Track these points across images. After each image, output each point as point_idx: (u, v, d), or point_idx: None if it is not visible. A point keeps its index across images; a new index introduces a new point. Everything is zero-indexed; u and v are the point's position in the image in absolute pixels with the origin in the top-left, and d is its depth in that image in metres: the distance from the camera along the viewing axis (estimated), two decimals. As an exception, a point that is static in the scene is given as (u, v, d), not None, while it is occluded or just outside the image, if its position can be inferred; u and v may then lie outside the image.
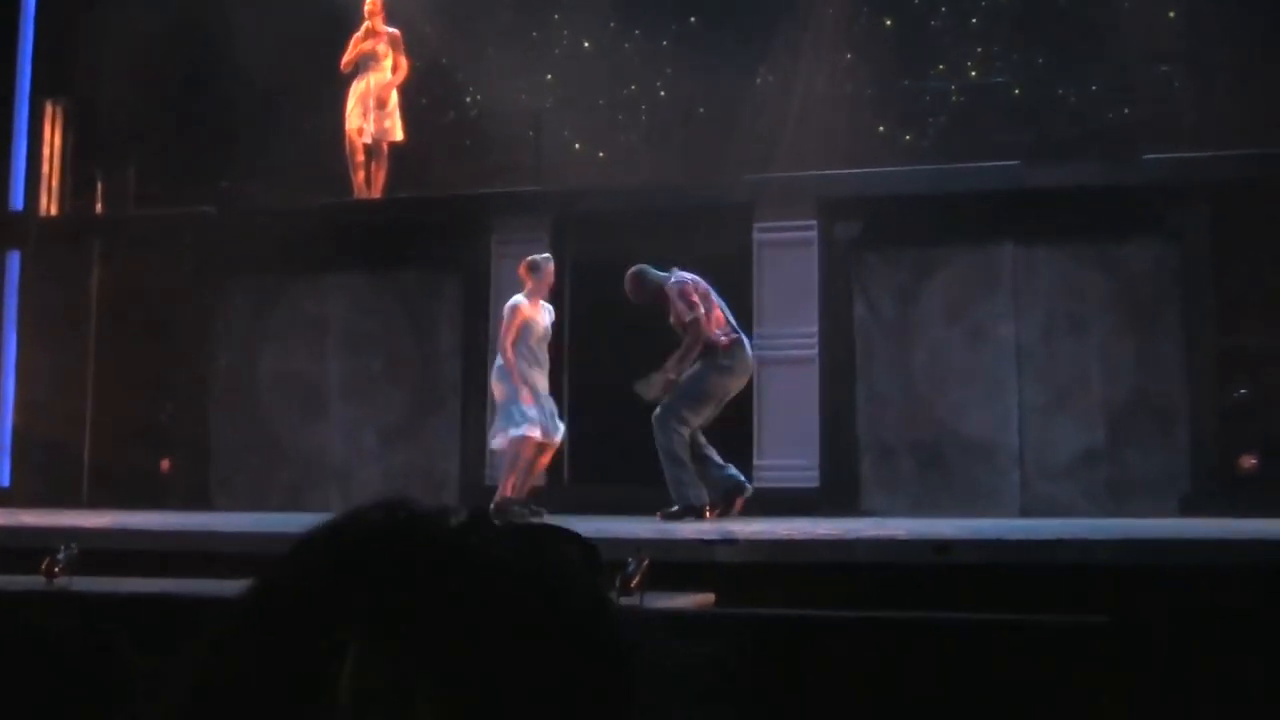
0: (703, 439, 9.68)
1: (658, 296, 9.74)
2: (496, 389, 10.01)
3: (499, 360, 9.99)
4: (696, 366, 9.59)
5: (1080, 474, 10.85)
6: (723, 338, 9.62)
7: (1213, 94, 11.23)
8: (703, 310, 9.57)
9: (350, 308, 12.61)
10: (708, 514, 9.34)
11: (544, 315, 10.03)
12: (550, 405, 10.04)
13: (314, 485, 12.31)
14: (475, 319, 11.81)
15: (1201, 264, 10.69)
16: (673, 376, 9.59)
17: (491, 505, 9.69)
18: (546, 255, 10.24)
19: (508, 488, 9.77)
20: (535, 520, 8.37)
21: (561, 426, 10.11)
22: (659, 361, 9.63)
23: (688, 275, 9.75)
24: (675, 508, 9.34)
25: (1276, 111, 10.87)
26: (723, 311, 9.75)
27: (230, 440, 12.70)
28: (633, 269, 9.89)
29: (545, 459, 10.15)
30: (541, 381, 9.96)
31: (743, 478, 9.75)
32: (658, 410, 9.54)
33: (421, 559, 0.87)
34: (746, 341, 9.81)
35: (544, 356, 10.00)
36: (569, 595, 0.91)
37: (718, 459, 9.68)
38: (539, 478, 10.32)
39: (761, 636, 4.79)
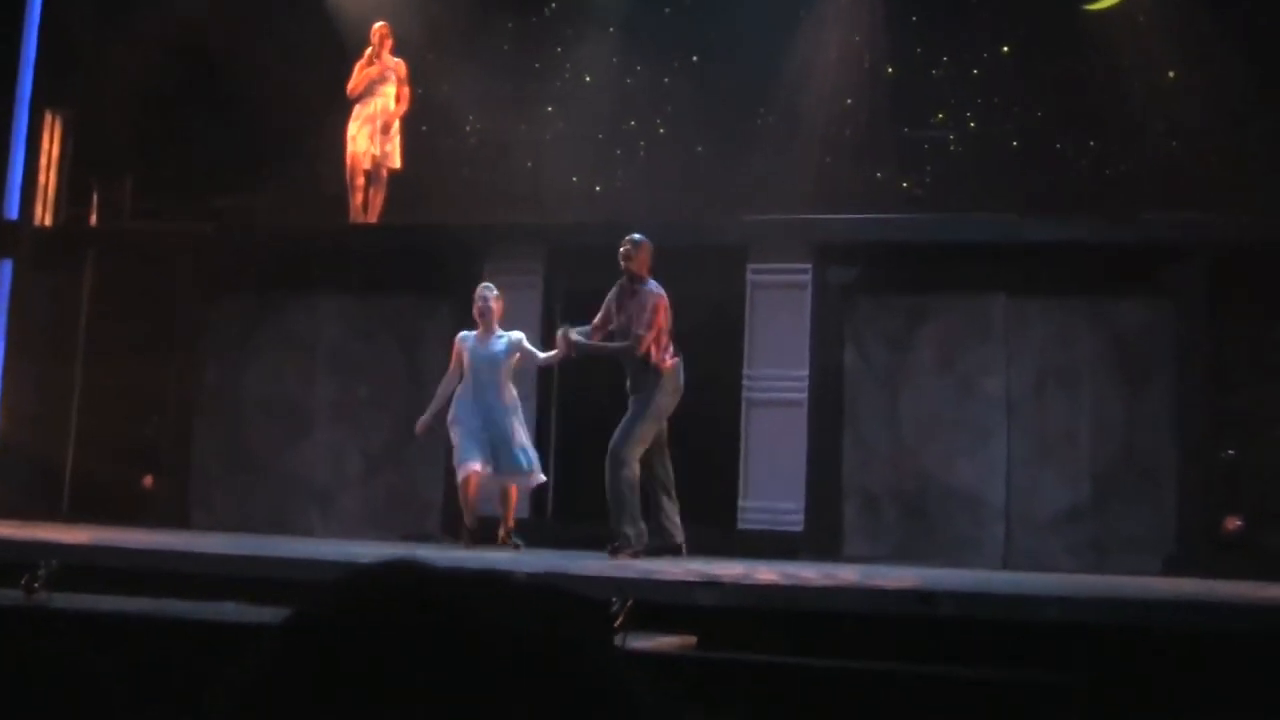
0: (672, 489, 9.59)
1: (639, 272, 9.62)
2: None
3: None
4: (647, 390, 9.50)
5: (1064, 529, 10.82)
6: (668, 359, 9.52)
7: (1212, 156, 11.26)
8: (657, 334, 9.48)
9: (341, 330, 12.56)
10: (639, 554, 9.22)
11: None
12: (520, 441, 10.11)
13: (295, 507, 12.25)
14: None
15: (1196, 325, 10.67)
16: (579, 341, 9.63)
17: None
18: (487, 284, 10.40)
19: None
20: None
21: (539, 469, 10.26)
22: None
23: (661, 290, 9.64)
24: (621, 543, 9.28)
25: (1276, 176, 10.91)
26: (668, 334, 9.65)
27: (213, 458, 12.62)
28: (643, 240, 9.73)
29: (513, 492, 10.24)
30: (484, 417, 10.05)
31: (681, 539, 9.51)
32: (616, 436, 9.42)
33: (430, 624, 0.86)
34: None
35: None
36: (579, 660, 0.89)
37: (674, 515, 9.58)
38: (516, 509, 10.36)
39: (741, 682, 4.77)
